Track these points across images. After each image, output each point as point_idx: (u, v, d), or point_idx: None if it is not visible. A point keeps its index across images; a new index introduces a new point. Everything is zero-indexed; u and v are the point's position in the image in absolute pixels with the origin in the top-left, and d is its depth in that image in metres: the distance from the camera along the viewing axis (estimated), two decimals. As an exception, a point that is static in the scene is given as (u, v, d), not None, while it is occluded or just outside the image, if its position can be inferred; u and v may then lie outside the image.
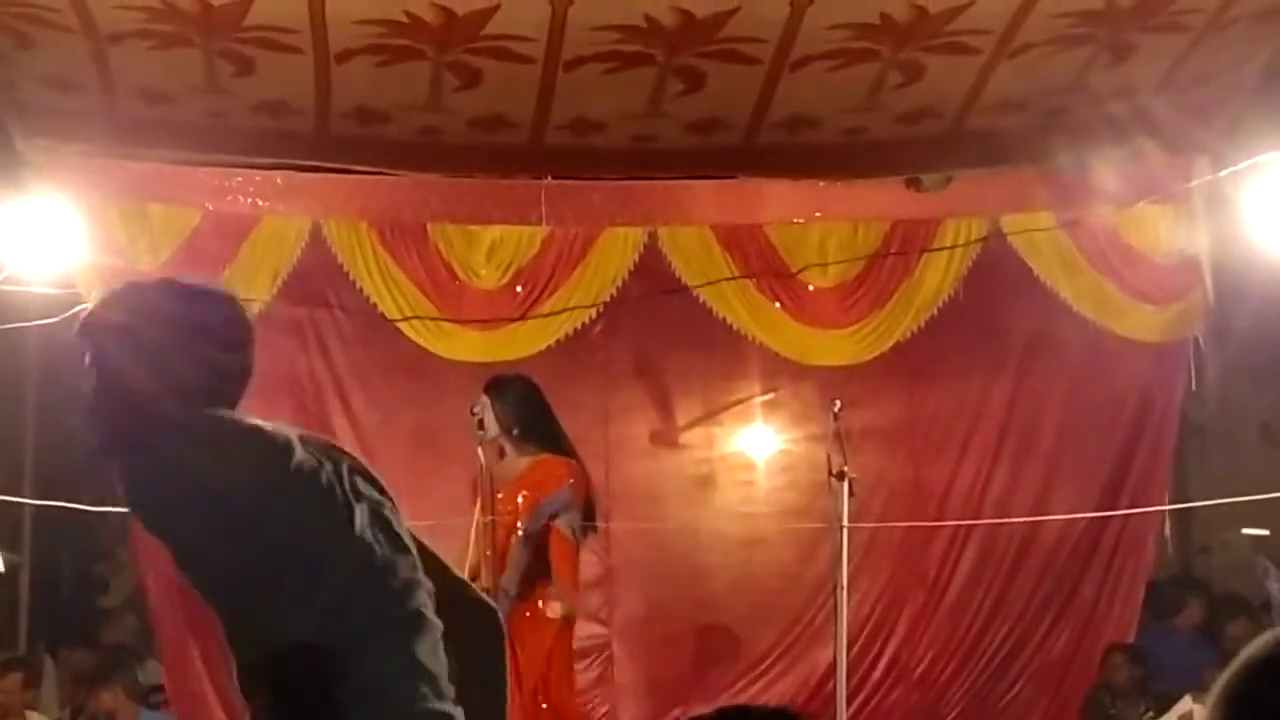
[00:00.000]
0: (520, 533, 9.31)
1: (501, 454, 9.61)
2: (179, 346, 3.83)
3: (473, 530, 8.91)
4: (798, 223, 10.96)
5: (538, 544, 9.43)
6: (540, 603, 9.36)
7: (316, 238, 10.65)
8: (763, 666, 11.29)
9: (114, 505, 10.60)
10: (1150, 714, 10.32)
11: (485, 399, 9.50)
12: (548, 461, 9.54)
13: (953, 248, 10.84)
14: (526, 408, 9.49)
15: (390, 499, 3.89)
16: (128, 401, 3.81)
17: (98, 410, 3.86)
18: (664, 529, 11.34)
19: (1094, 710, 10.71)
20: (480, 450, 9.02)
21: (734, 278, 10.84)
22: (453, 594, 3.92)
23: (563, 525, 9.45)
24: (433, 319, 10.62)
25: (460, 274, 10.73)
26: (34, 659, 10.80)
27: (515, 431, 9.43)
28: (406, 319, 10.59)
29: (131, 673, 10.36)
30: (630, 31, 8.58)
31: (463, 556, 9.09)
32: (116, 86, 9.08)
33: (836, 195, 10.83)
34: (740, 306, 10.89)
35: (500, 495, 9.41)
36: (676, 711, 10.71)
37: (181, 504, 3.76)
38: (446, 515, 9.24)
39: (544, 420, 9.51)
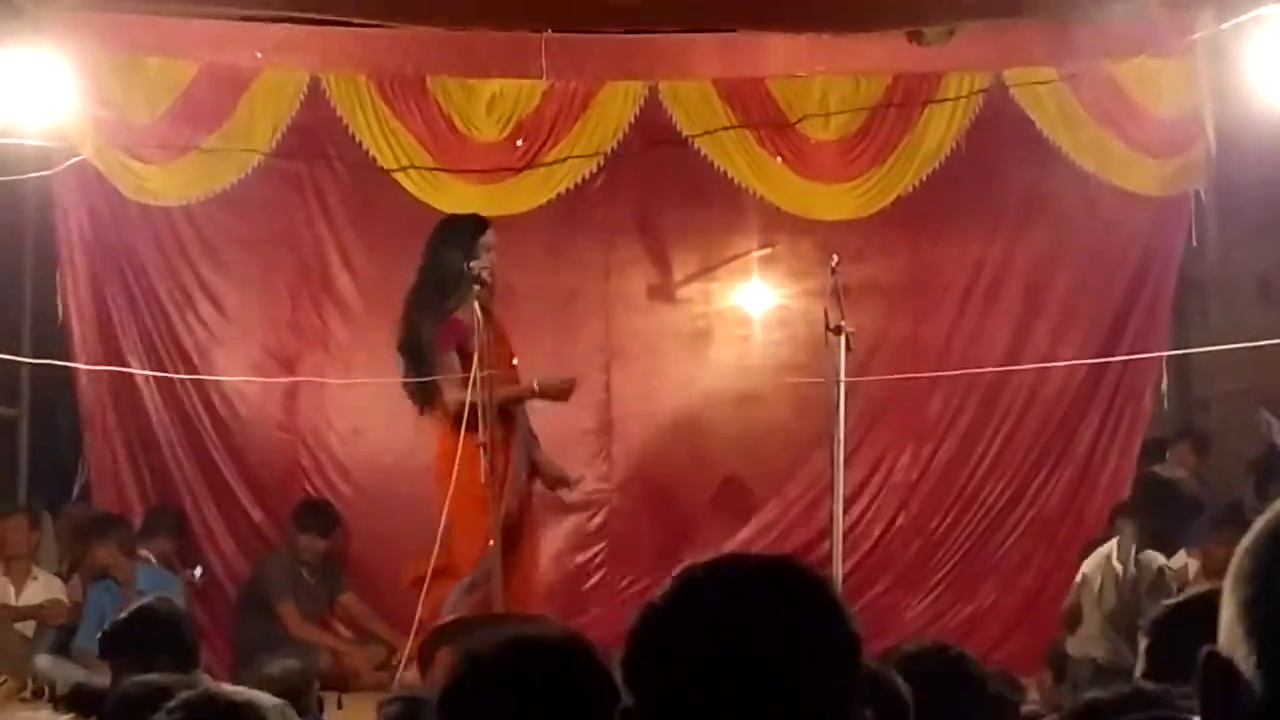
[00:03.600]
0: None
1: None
2: None
3: (472, 385, 8.87)
4: (799, 76, 10.90)
5: None
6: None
7: (315, 91, 10.60)
8: (760, 519, 11.36)
9: (109, 361, 10.69)
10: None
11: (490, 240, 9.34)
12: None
13: (955, 99, 10.78)
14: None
15: None
16: None
17: None
18: (662, 383, 11.38)
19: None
20: (475, 305, 8.97)
21: (733, 127, 10.78)
22: None
23: None
24: (430, 169, 10.58)
25: (460, 127, 10.69)
26: (34, 512, 10.85)
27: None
28: (403, 168, 10.55)
29: (126, 529, 10.40)
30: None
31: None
32: (112, -63, 9.00)
33: (838, 48, 10.75)
34: (741, 160, 10.85)
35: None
36: (673, 563, 10.76)
37: None
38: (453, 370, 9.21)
39: None
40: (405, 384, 9.47)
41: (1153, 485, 9.55)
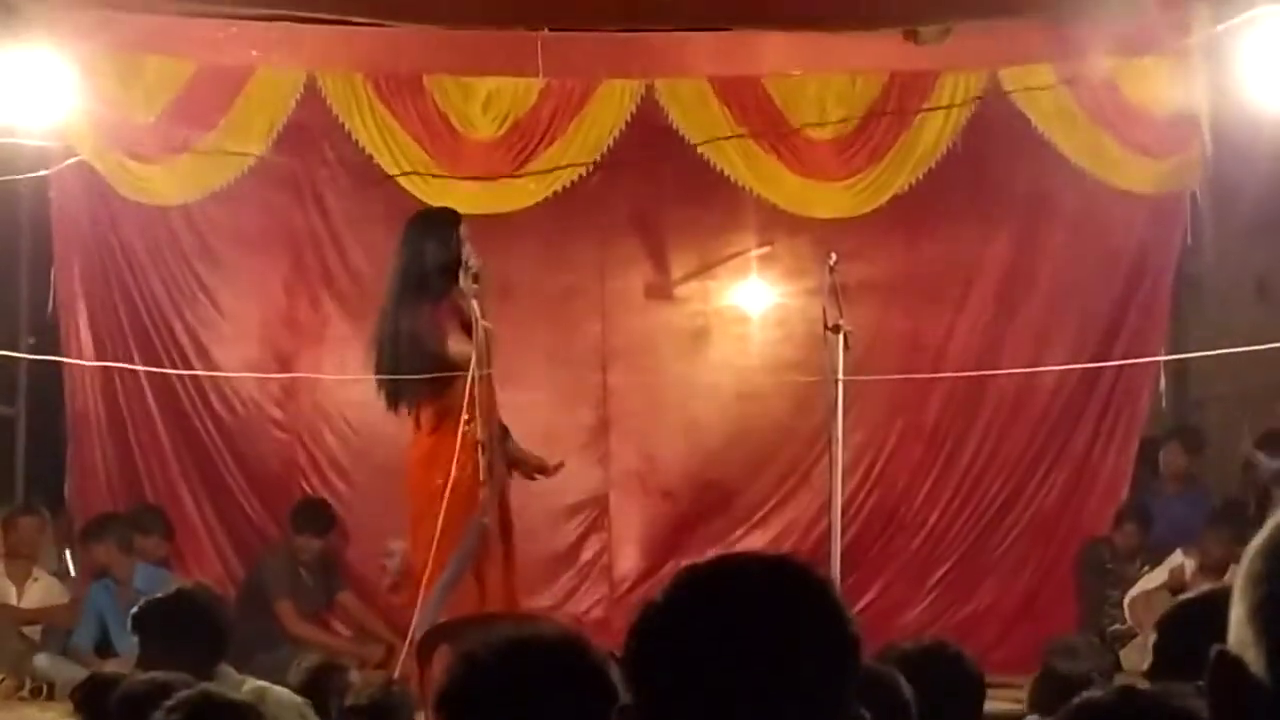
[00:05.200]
0: None
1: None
2: None
3: (470, 387, 8.85)
4: (795, 75, 10.90)
5: None
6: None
7: (312, 90, 10.60)
8: (758, 518, 11.37)
9: (106, 360, 10.70)
10: (1145, 568, 10.40)
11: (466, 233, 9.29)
12: None
13: (949, 108, 10.77)
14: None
15: None
16: None
17: None
18: (660, 382, 11.37)
19: (1091, 563, 10.79)
20: (474, 303, 8.96)
21: (735, 137, 10.76)
22: None
23: None
24: (434, 176, 10.56)
25: (457, 125, 10.68)
26: (40, 513, 10.84)
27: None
28: (405, 174, 10.54)
29: (123, 527, 10.39)
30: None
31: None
32: (110, -64, 8.99)
33: (834, 47, 10.75)
34: (738, 158, 10.84)
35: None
36: (672, 563, 10.76)
37: None
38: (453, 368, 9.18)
39: None
40: (380, 379, 9.37)
41: None
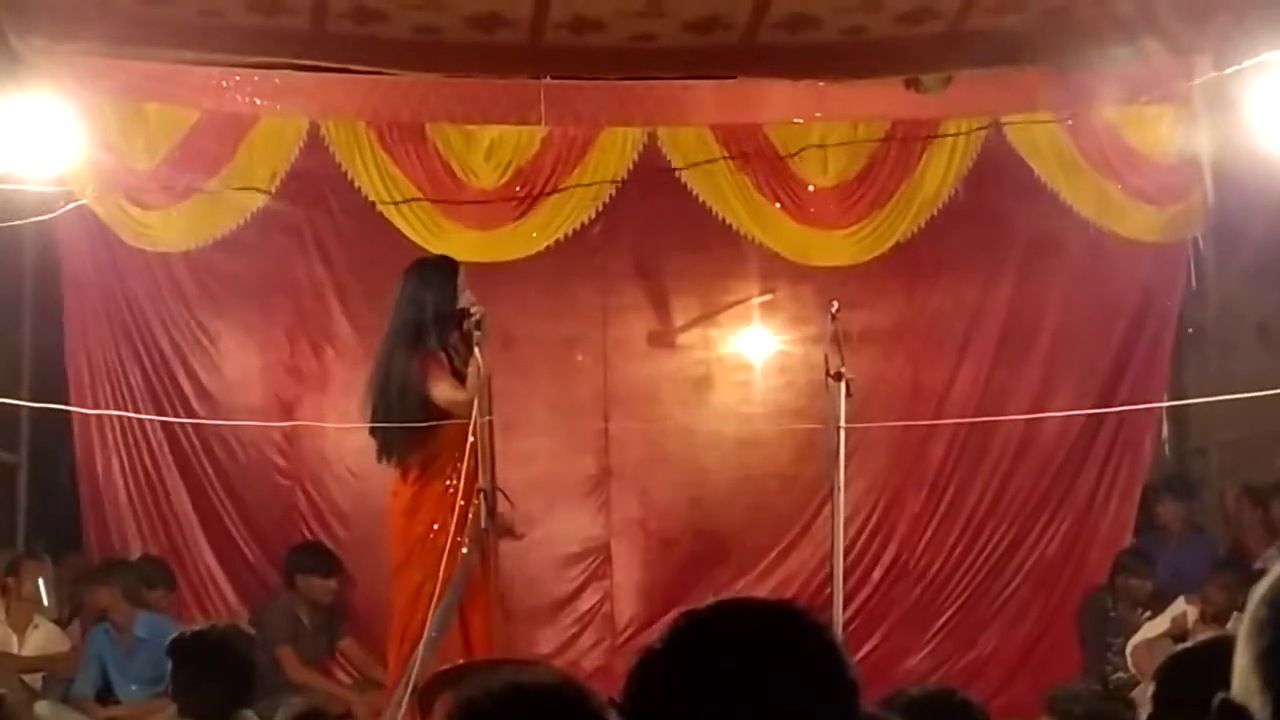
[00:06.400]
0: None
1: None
2: None
3: (472, 433, 8.81)
4: (797, 123, 10.92)
5: None
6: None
7: (314, 138, 10.62)
8: (760, 566, 11.34)
9: (107, 408, 10.69)
10: (1148, 615, 10.36)
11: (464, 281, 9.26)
12: None
13: (955, 135, 10.78)
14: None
15: None
16: None
17: None
18: (661, 429, 11.35)
19: (1094, 611, 10.75)
20: (478, 351, 8.93)
21: (727, 157, 10.77)
22: None
23: None
24: (432, 201, 10.55)
25: (459, 173, 10.70)
26: (40, 558, 10.82)
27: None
28: (396, 202, 10.53)
29: (131, 574, 10.38)
30: (629, -72, 8.52)
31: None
32: (113, -16, 8.99)
33: (836, 95, 10.77)
34: (740, 206, 10.86)
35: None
36: (673, 611, 10.71)
37: None
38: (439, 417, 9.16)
39: None
40: (374, 428, 9.31)
41: None
